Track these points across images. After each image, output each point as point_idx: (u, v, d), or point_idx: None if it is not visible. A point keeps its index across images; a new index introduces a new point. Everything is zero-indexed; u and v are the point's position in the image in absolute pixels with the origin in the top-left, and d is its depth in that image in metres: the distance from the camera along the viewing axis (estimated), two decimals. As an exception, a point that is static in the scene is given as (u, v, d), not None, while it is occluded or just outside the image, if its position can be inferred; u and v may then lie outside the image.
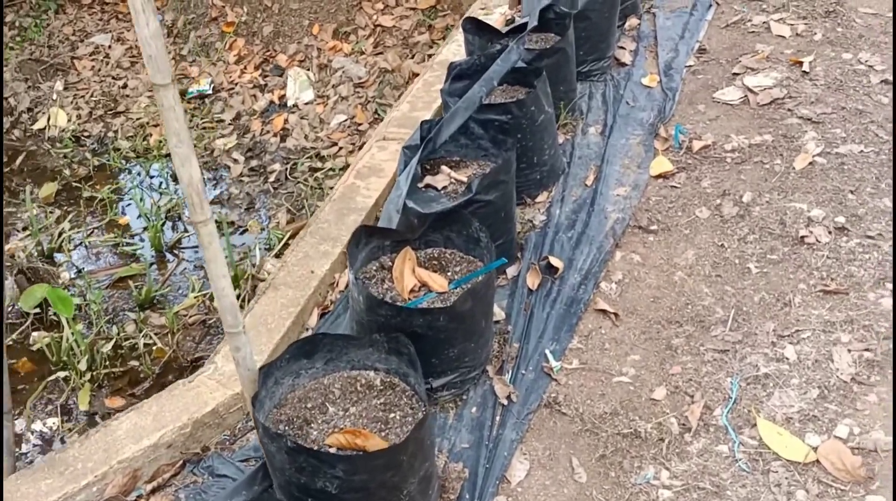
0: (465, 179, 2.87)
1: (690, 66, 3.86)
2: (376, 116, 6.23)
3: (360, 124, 6.27)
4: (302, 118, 6.37)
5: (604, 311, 2.66)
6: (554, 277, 2.79)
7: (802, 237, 2.81)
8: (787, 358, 2.43)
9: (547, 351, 2.55)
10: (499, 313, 2.69)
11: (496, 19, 4.32)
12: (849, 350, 2.42)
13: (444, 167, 2.92)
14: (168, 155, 6.42)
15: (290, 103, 6.54)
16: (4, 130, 6.59)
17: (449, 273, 2.52)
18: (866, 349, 2.42)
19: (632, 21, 4.21)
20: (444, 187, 2.85)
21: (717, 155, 3.27)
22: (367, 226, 2.55)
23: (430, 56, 6.51)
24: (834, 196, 2.98)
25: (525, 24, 3.50)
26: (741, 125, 3.42)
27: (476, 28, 3.57)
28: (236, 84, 6.81)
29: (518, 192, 3.10)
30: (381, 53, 6.58)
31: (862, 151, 3.18)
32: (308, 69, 6.65)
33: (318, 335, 2.18)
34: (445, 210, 2.57)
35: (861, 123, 3.32)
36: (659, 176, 3.20)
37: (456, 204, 2.62)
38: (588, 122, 3.54)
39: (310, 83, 6.47)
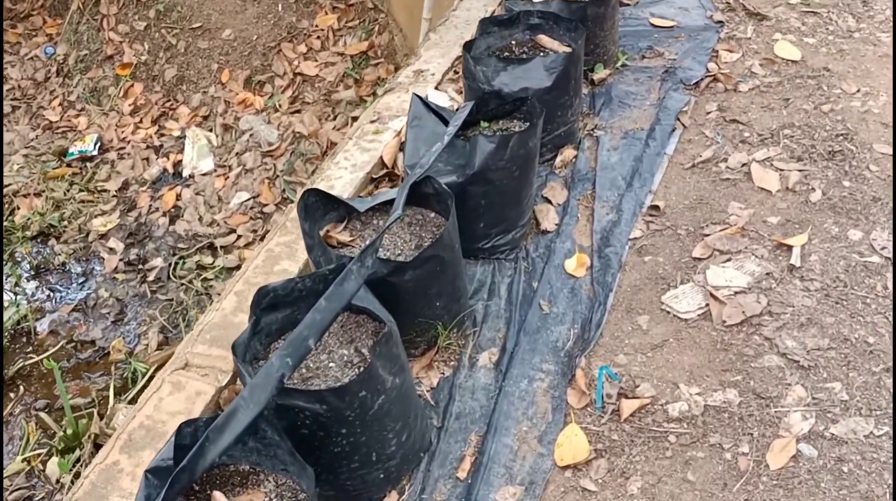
0: (244, 524, 1.81)
1: (636, 239, 2.77)
2: (284, 196, 5.14)
3: (265, 205, 5.20)
4: (197, 194, 5.28)
5: None
6: None
7: None
8: None
9: None
10: None
11: (387, 141, 3.21)
12: None
13: (216, 495, 1.86)
14: (37, 236, 5.35)
15: (185, 173, 5.45)
16: None
17: None
18: None
19: (566, 154, 3.10)
20: (210, 541, 1.79)
21: (655, 428, 2.20)
22: None
23: (353, 120, 5.40)
24: (826, 537, 1.91)
25: (393, 201, 2.41)
26: (696, 363, 2.34)
27: (324, 201, 2.47)
28: (128, 142, 5.71)
29: (351, 499, 2.05)
30: (298, 111, 5.45)
31: (871, 433, 2.11)
32: (211, 129, 5.54)
33: None
34: None
35: (871, 372, 2.25)
36: (568, 466, 2.13)
37: None
38: (481, 342, 2.47)
39: (210, 149, 5.36)
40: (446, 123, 2.83)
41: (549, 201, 2.95)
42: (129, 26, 6.24)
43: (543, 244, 2.78)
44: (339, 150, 3.24)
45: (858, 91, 3.25)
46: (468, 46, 3.06)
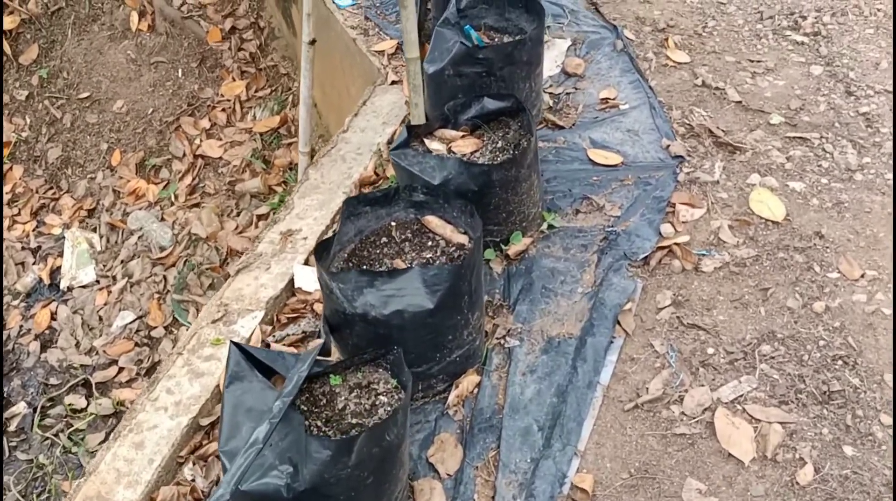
0: None
1: (550, 554, 1.93)
2: (175, 318, 4.30)
3: (153, 327, 4.34)
4: (75, 312, 4.44)
5: None
6: None
7: None
8: None
9: None
10: None
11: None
12: None
13: None
14: None
15: (63, 284, 4.59)
16: None
17: None
18: None
19: (465, 384, 2.27)
20: None
21: None
22: None
23: (259, 219, 4.57)
24: None
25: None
26: None
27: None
28: (2, 241, 4.83)
29: None
30: (197, 205, 4.59)
31: None
32: (95, 228, 4.67)
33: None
34: None
35: None
36: None
37: None
38: None
39: (92, 255, 4.50)
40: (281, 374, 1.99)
41: (437, 471, 2.11)
42: (8, 96, 5.34)
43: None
44: (163, 374, 2.39)
45: (863, 276, 2.41)
46: (322, 250, 2.20)
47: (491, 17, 3.07)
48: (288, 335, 2.46)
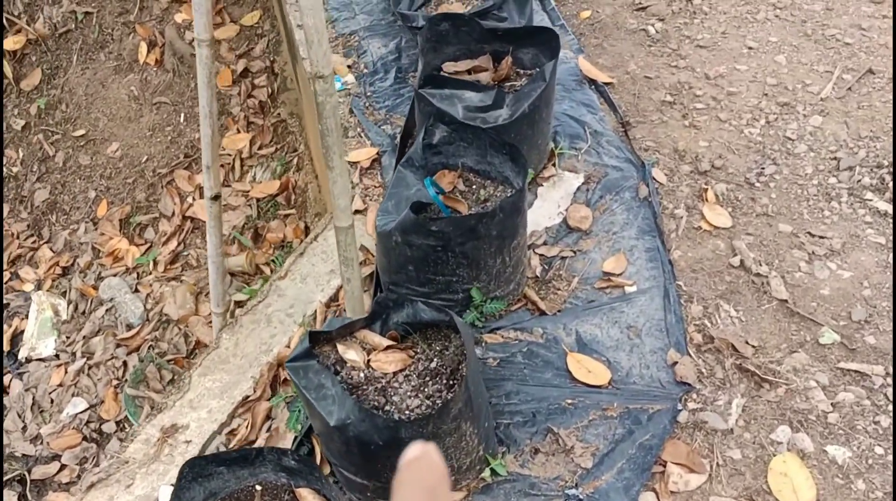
0: None
1: None
2: (126, 418, 3.85)
3: (104, 421, 3.90)
4: (28, 389, 4.02)
5: None
6: None
7: None
8: None
9: None
10: None
11: None
12: None
13: None
14: None
15: (22, 353, 4.17)
16: None
17: None
18: None
19: None
20: None
21: None
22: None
23: (237, 305, 4.04)
24: None
25: None
26: None
27: None
28: (-26, 292, 4.44)
29: None
30: (175, 279, 4.09)
31: None
32: (65, 292, 4.23)
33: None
34: None
35: None
36: None
37: None
38: None
39: (55, 324, 4.06)
40: None
41: None
42: (5, 123, 4.93)
43: None
44: None
45: None
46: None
47: (471, 158, 2.41)
48: None
